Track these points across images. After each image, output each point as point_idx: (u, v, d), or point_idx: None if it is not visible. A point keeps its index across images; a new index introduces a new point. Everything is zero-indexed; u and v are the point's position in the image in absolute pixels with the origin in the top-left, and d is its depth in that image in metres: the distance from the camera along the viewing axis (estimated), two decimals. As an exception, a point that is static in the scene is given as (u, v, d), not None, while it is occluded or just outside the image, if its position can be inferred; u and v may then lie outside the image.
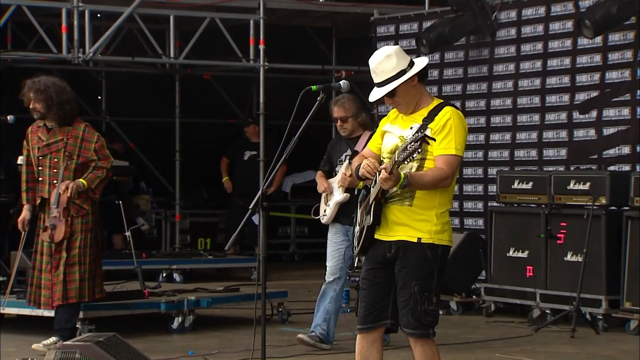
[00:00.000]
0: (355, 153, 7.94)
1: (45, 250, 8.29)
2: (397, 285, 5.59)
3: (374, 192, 5.55)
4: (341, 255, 8.36)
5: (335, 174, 8.43)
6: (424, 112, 5.58)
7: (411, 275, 5.52)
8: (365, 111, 8.50)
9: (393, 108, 5.73)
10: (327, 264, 8.45)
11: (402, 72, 5.56)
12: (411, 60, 5.62)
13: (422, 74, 5.63)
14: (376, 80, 5.61)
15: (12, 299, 9.19)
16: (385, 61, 5.57)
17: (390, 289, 5.63)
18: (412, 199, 5.52)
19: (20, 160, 8.93)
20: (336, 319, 8.43)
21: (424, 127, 5.50)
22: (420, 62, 5.63)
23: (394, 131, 5.66)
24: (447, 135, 5.49)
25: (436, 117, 5.53)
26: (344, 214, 8.18)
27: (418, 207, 5.53)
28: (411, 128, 5.55)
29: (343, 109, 8.35)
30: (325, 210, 8.41)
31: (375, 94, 5.63)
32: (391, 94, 5.58)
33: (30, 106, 8.34)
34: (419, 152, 5.30)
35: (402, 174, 5.38)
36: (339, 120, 8.40)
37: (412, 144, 5.27)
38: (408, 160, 5.32)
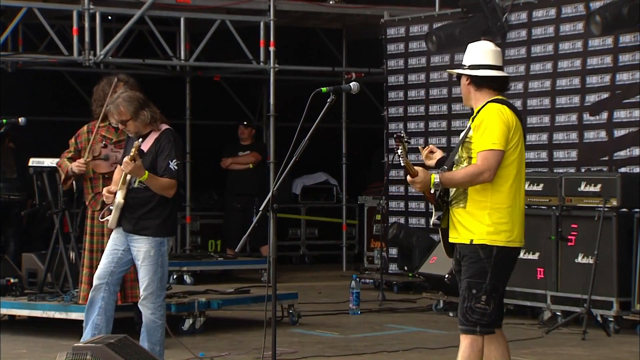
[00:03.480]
0: (141, 152, 7.25)
1: (100, 248, 8.19)
2: None
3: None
4: (116, 257, 7.34)
5: None
6: (475, 112, 5.81)
7: (464, 273, 5.72)
8: (148, 107, 7.36)
9: None
10: (99, 265, 7.46)
11: (461, 66, 5.90)
12: (482, 64, 5.85)
13: (478, 81, 5.82)
14: None
15: (24, 301, 9.22)
16: (469, 48, 5.97)
17: None
18: (465, 200, 5.72)
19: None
20: (108, 331, 7.42)
21: (469, 127, 5.75)
22: (482, 71, 5.82)
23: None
24: (483, 132, 5.67)
25: (477, 115, 5.76)
26: (126, 218, 7.29)
27: (471, 207, 5.70)
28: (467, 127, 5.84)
29: (118, 112, 7.33)
30: (109, 214, 7.44)
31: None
32: (458, 77, 5.96)
33: None
34: (399, 154, 5.56)
35: (432, 175, 5.60)
36: (119, 125, 7.49)
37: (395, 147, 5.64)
38: (400, 158, 5.57)
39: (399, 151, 5.54)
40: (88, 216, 8.46)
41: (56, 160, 9.13)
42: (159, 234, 7.28)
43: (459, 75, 5.89)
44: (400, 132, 5.65)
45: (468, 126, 5.77)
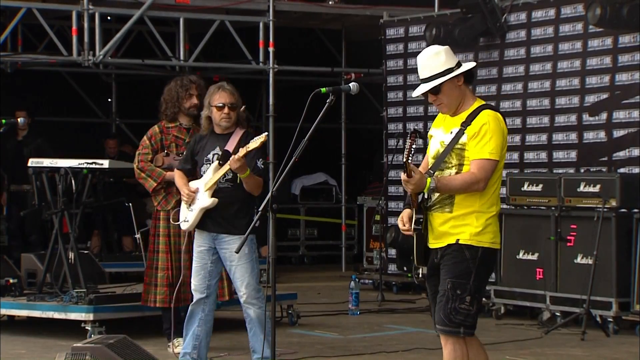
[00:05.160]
0: (226, 153, 7.23)
1: (184, 248, 8.16)
2: None
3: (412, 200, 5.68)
4: (207, 270, 7.39)
5: (201, 175, 7.43)
6: (463, 116, 5.63)
7: (447, 273, 5.59)
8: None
9: (435, 106, 5.78)
10: (192, 280, 7.47)
11: (449, 70, 5.61)
12: (459, 61, 5.68)
13: (469, 76, 5.69)
14: (422, 75, 5.64)
15: (23, 301, 9.22)
16: (434, 57, 5.62)
17: None
18: (451, 205, 5.59)
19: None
20: (208, 341, 7.59)
21: (461, 132, 5.57)
22: (468, 64, 5.70)
23: (436, 136, 5.74)
24: (482, 140, 5.54)
25: (473, 122, 5.58)
26: (212, 219, 7.31)
27: (458, 213, 5.59)
28: (451, 133, 5.61)
29: (233, 95, 7.39)
30: (186, 216, 7.44)
31: (420, 89, 5.67)
32: (435, 91, 5.63)
33: (194, 102, 8.40)
34: (412, 150, 5.34)
35: (428, 178, 5.47)
36: (225, 108, 7.37)
37: (407, 140, 5.35)
38: (409, 157, 5.35)
39: (414, 147, 5.36)
40: (160, 217, 8.38)
41: (58, 160, 9.14)
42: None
43: (436, 89, 5.60)
44: (418, 128, 5.54)
45: (458, 131, 5.58)
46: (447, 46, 5.72)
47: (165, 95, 8.51)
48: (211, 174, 7.29)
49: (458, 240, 5.56)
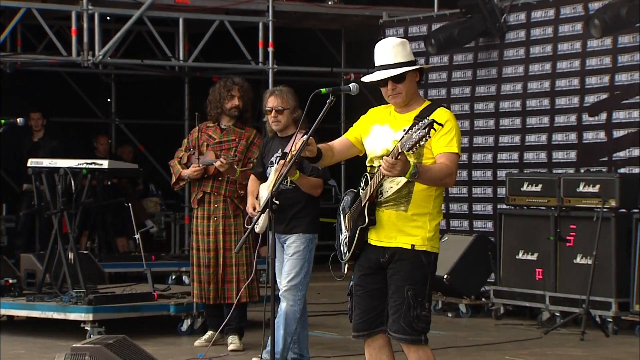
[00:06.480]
0: (285, 155, 7.29)
1: (203, 247, 8.48)
2: (389, 289, 5.49)
3: (367, 192, 5.45)
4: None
5: (266, 177, 7.68)
6: (415, 113, 5.47)
7: (405, 280, 5.43)
8: (300, 110, 7.65)
9: (387, 98, 5.59)
10: (277, 279, 7.60)
11: (414, 62, 5.51)
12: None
13: (423, 75, 5.64)
14: (386, 60, 5.49)
15: (22, 301, 9.22)
16: (400, 46, 5.50)
17: (385, 294, 5.52)
18: (407, 204, 5.41)
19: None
20: (306, 334, 7.81)
21: (414, 125, 5.29)
22: (420, 63, 5.62)
23: (382, 133, 5.54)
24: (447, 134, 5.36)
25: (432, 116, 5.32)
26: (277, 220, 7.11)
27: (413, 212, 5.42)
28: (404, 130, 5.31)
29: (281, 99, 7.62)
30: (257, 220, 7.64)
31: (382, 74, 5.48)
32: (400, 79, 5.46)
33: (235, 103, 8.57)
34: (427, 139, 5.07)
35: (411, 162, 5.19)
36: (273, 112, 7.61)
37: (419, 131, 5.04)
38: (414, 149, 5.08)
39: (426, 138, 5.01)
40: (194, 215, 8.59)
41: (57, 160, 9.17)
42: (309, 230, 7.47)
43: (400, 77, 5.42)
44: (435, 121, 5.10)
45: (412, 125, 5.21)
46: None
47: (210, 96, 8.73)
48: (273, 177, 7.47)
49: (413, 245, 5.41)
